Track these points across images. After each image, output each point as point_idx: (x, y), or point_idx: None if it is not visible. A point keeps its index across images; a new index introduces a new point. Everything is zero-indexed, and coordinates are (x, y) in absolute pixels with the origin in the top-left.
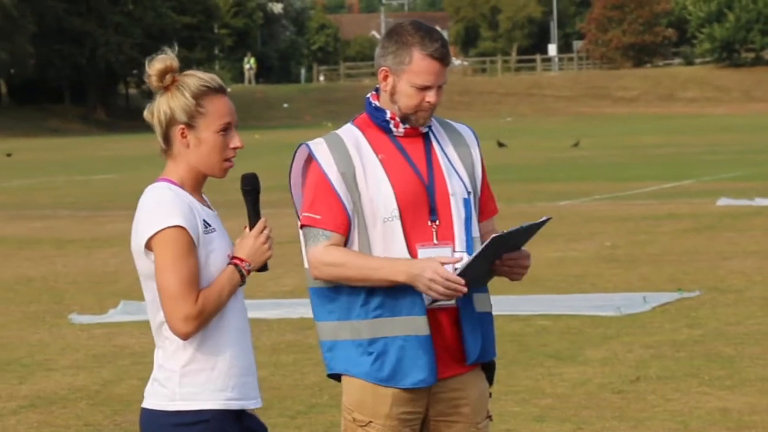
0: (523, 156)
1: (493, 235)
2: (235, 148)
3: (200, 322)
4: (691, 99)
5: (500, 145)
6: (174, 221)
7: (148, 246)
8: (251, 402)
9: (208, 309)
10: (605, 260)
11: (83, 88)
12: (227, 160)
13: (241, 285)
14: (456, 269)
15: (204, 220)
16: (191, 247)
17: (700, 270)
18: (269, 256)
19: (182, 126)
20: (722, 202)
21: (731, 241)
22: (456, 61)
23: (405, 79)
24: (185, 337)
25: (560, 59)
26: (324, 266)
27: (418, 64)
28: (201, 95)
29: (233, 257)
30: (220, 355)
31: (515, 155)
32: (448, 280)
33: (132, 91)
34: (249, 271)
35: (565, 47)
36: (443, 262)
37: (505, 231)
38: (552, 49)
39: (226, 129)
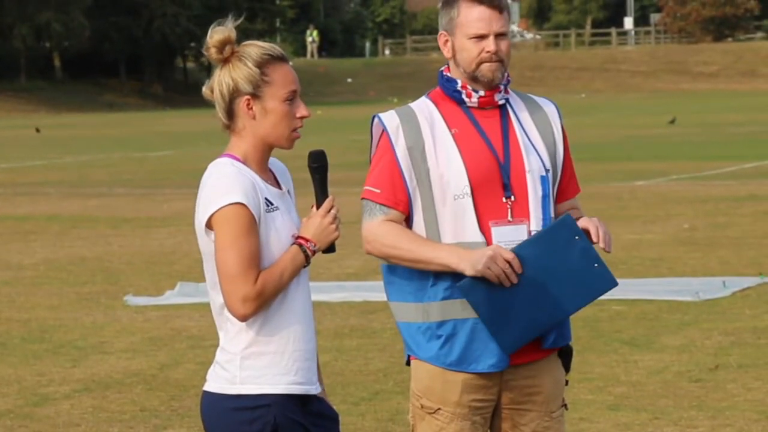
0: (598, 134)
1: (565, 215)
2: (302, 117)
3: (259, 304)
4: None
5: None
6: (234, 198)
7: (209, 225)
8: (314, 387)
9: (267, 290)
10: (683, 243)
11: (139, 62)
12: (295, 130)
13: (305, 266)
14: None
15: (266, 198)
16: (252, 225)
17: None
18: (336, 236)
19: (247, 97)
20: None
21: None
22: (528, 35)
23: (459, 33)
24: (243, 318)
25: (636, 33)
26: (375, 242)
27: (466, 13)
28: (264, 64)
29: (298, 237)
30: (282, 337)
31: (590, 133)
32: (507, 260)
33: (190, 64)
34: (314, 252)
35: (641, 20)
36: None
37: (577, 221)
38: (628, 23)
39: (292, 98)
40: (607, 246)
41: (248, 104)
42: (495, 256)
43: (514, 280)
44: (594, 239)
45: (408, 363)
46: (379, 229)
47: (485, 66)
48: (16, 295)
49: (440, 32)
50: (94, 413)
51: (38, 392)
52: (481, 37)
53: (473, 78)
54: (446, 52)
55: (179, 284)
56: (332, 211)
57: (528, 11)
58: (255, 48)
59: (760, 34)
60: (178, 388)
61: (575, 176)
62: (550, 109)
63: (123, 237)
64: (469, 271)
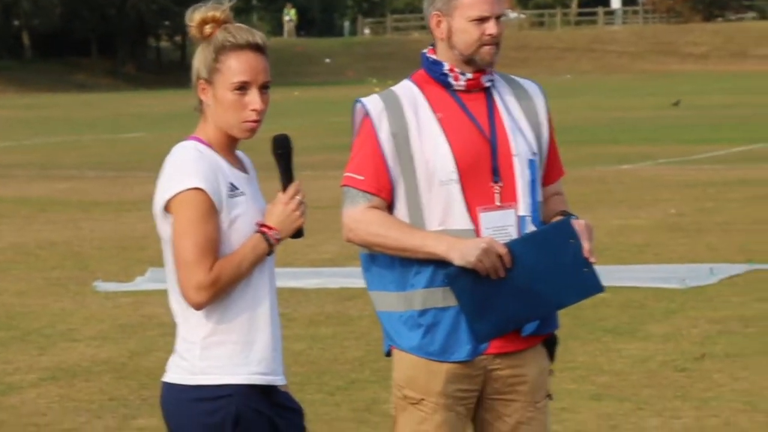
0: (584, 116)
1: (565, 219)
2: (253, 110)
3: (214, 292)
4: (765, 56)
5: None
6: (192, 183)
7: (167, 208)
8: (279, 378)
9: (223, 279)
10: (670, 229)
11: (112, 41)
12: (246, 121)
13: (268, 254)
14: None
15: (231, 183)
16: (210, 211)
17: None
18: (300, 223)
19: (202, 81)
20: None
21: None
22: (512, 14)
23: (458, 15)
24: (198, 307)
25: (624, 12)
26: (358, 229)
27: None
28: (221, 50)
29: (261, 225)
30: (245, 326)
31: (575, 115)
32: (499, 254)
33: (163, 44)
34: (278, 240)
35: None
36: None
37: (573, 222)
38: (615, 2)
39: (241, 88)
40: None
41: (203, 89)
42: (489, 249)
43: (503, 275)
44: (585, 254)
45: (388, 354)
46: (362, 217)
47: (485, 49)
48: None
49: (433, 12)
50: (61, 402)
51: (4, 381)
52: (483, 19)
53: (469, 61)
54: (438, 33)
55: (150, 270)
56: (297, 197)
57: None
58: (223, 33)
59: (751, 14)
60: (149, 377)
61: (559, 159)
62: (534, 91)
63: (93, 221)
64: (458, 261)
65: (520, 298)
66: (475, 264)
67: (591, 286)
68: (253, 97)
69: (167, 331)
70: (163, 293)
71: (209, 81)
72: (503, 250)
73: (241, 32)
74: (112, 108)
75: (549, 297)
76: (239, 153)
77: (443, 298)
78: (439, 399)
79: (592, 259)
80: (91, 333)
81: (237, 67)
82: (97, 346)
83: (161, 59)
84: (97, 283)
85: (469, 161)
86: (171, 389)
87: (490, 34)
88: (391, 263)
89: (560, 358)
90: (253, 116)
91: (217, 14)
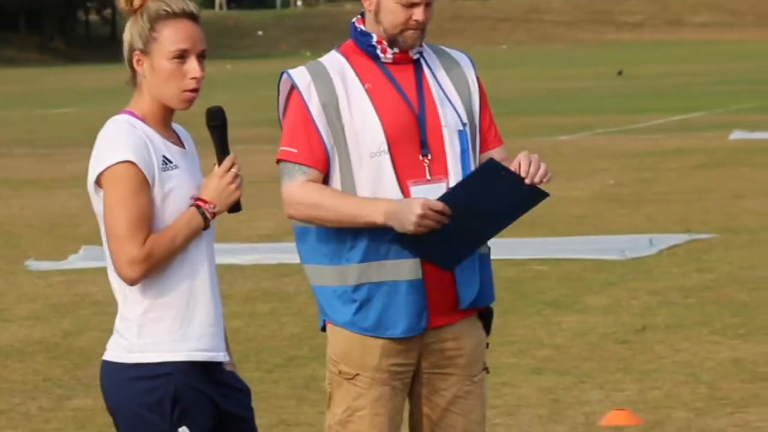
0: (520, 87)
1: (489, 160)
2: (193, 78)
3: (147, 267)
4: (702, 24)
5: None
6: (123, 156)
7: (99, 183)
8: (221, 354)
9: (156, 254)
10: (608, 200)
11: (40, 15)
12: (186, 90)
13: (204, 229)
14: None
15: (164, 156)
16: (142, 184)
17: (711, 209)
18: (237, 197)
19: (137, 52)
20: (735, 135)
21: (745, 177)
22: None
23: None
24: (131, 282)
25: None
26: (298, 204)
27: None
28: (157, 19)
29: (196, 199)
30: (183, 302)
31: (511, 86)
32: (437, 211)
33: (93, 18)
34: (214, 214)
35: None
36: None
37: (504, 165)
38: None
39: (180, 56)
40: (531, 177)
41: (138, 60)
42: (424, 214)
43: (446, 221)
44: (522, 174)
45: (323, 328)
46: (299, 191)
47: (409, 33)
48: None
49: None
50: None
51: None
52: (413, 4)
53: (392, 40)
54: (367, 5)
55: (83, 248)
56: (233, 170)
57: None
58: (156, 2)
59: None
60: (83, 357)
61: (495, 126)
62: (464, 61)
63: (24, 199)
64: (398, 230)
65: (471, 230)
66: (415, 230)
67: (535, 195)
68: (192, 65)
69: (101, 309)
70: (97, 271)
71: (145, 51)
72: (439, 206)
73: (175, 1)
74: (41, 83)
75: (500, 218)
76: (177, 127)
77: (378, 273)
78: (375, 374)
79: (527, 180)
80: (23, 313)
81: (175, 35)
82: (30, 326)
83: (90, 34)
84: (29, 262)
85: (398, 133)
86: (109, 368)
87: (416, 20)
88: (325, 236)
89: (499, 332)
90: (192, 84)
91: None
